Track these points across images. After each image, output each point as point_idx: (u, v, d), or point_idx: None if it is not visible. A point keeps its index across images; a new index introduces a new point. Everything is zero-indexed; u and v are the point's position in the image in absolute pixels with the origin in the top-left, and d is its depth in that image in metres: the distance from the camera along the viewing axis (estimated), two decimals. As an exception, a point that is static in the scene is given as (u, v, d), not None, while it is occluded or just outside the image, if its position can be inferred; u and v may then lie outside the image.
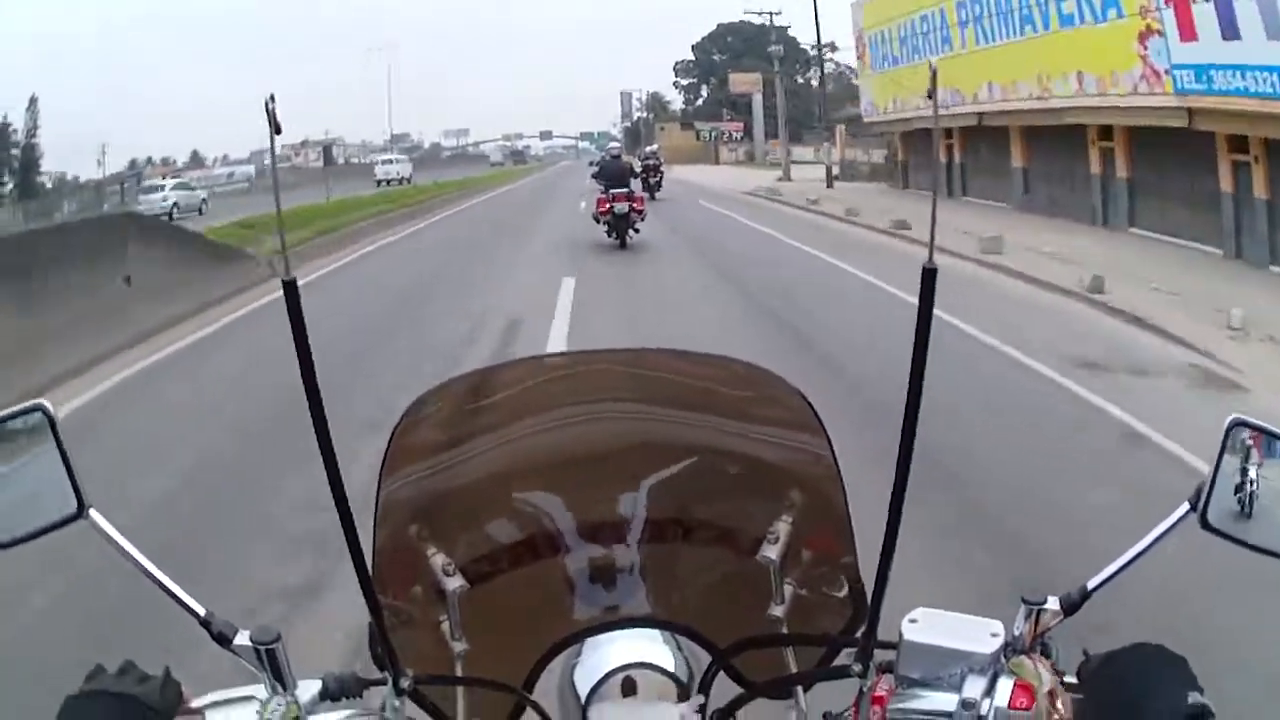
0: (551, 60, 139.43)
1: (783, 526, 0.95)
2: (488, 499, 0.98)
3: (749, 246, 15.46)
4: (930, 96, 0.69)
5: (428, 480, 0.93)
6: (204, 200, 29.71)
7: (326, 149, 42.28)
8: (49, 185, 49.76)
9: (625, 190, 14.98)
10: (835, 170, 29.68)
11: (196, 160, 65.41)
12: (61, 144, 65.25)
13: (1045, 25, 16.58)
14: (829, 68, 65.02)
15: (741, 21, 71.56)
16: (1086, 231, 15.25)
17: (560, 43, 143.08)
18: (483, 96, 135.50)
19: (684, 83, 75.48)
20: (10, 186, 47.95)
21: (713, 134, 65.94)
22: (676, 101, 77.06)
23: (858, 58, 26.54)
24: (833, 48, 64.28)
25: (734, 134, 65.33)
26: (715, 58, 71.51)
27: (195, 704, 0.77)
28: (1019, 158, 19.23)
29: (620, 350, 1.01)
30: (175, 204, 28.08)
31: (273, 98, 0.61)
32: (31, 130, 49.78)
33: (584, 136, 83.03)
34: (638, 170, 19.84)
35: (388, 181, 38.78)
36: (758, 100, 62.86)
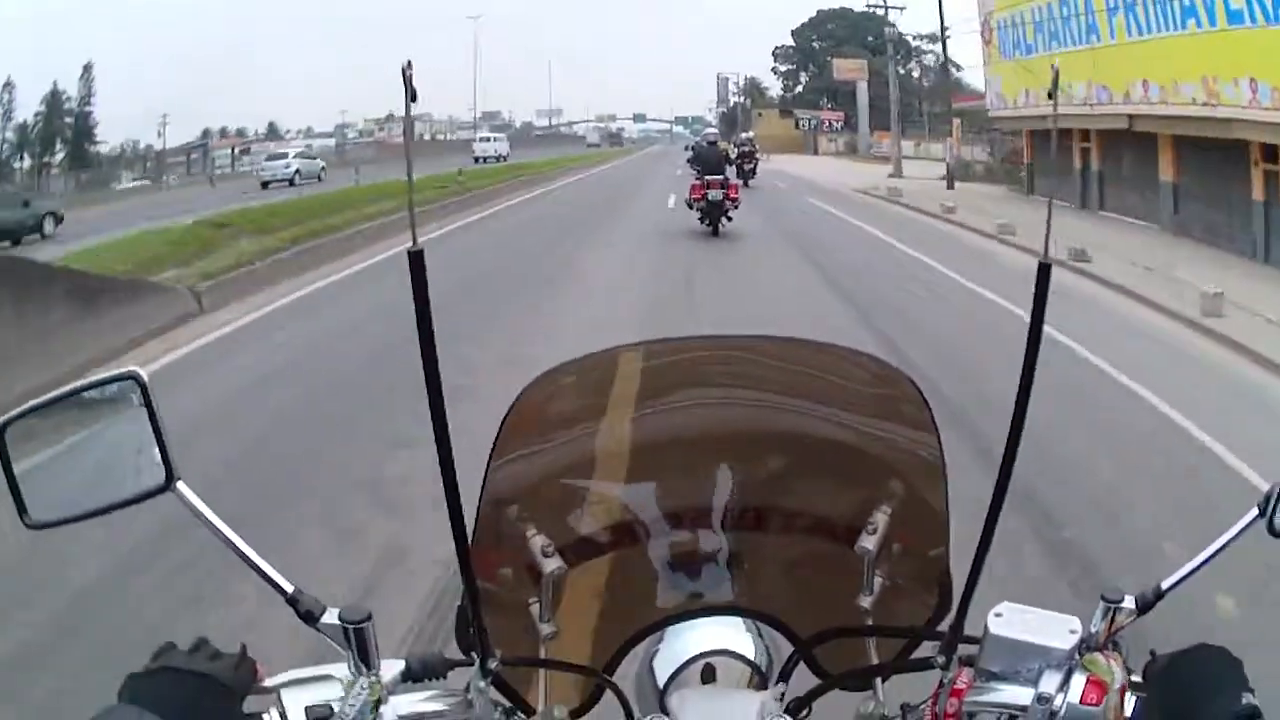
0: (646, 40, 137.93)
1: (881, 518, 0.96)
2: (587, 483, 1.01)
3: (900, 281, 11.68)
4: (1051, 97, 0.72)
5: (533, 461, 0.95)
6: (322, 168, 33.78)
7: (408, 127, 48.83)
8: (106, 154, 49.46)
9: (720, 177, 15.09)
10: (950, 169, 27.82)
11: (274, 132, 65.23)
12: (135, 114, 65.02)
13: (1212, 20, 14.53)
14: (929, 60, 62.07)
15: (843, 8, 69.56)
16: (1245, 267, 13.09)
17: (656, 23, 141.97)
18: (575, 75, 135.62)
19: (782, 69, 73.23)
20: (61, 156, 47.87)
21: (812, 123, 63.63)
22: (774, 88, 74.34)
23: (984, 43, 24.55)
24: (933, 38, 62.36)
25: (834, 124, 62.91)
26: (815, 44, 69.45)
27: (270, 682, 0.78)
28: (1169, 171, 17.04)
29: (736, 336, 1.00)
30: (297, 171, 31.60)
31: (410, 64, 0.62)
32: (85, 98, 49.47)
33: (678, 120, 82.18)
34: (733, 157, 19.56)
35: (485, 159, 41.19)
36: (862, 89, 59.97)
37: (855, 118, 61.14)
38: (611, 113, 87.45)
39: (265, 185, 29.94)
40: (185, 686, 0.72)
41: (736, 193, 15.25)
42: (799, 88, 70.92)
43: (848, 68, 60.57)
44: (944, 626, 0.88)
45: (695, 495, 1.02)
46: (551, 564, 0.94)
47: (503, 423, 0.91)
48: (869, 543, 0.96)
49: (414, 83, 0.62)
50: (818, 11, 69.39)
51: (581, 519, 1.01)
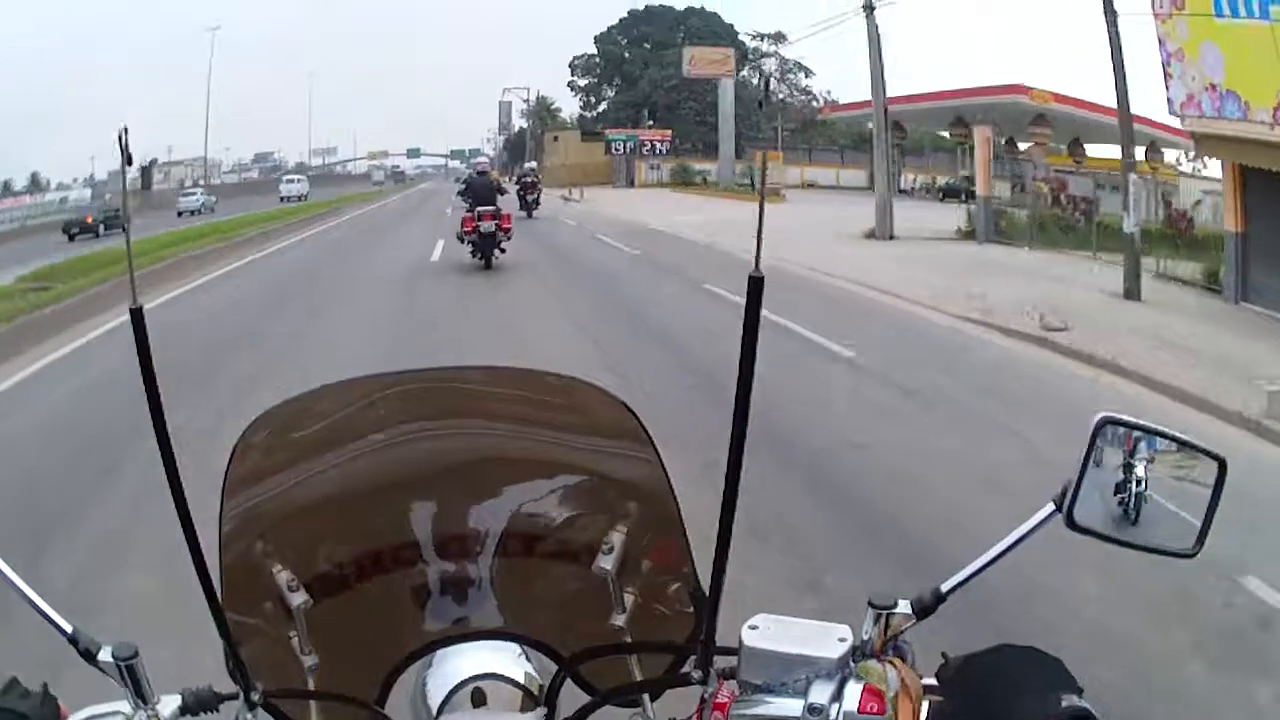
0: (419, 69, 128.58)
1: (617, 536, 1.06)
2: (332, 516, 1.09)
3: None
4: None
5: (271, 499, 1.04)
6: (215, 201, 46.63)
7: (145, 170, 56.64)
8: None
9: (492, 209, 15.92)
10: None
11: (36, 184, 62.84)
12: None
13: None
14: (768, 65, 49.60)
15: (663, 5, 62.70)
16: None
17: (428, 47, 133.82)
18: (346, 111, 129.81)
19: (582, 83, 66.14)
20: None
21: (628, 145, 54.37)
22: (571, 107, 68.43)
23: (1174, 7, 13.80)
24: (779, 38, 54.46)
25: (658, 145, 54.03)
26: (625, 53, 62.35)
27: (70, 719, 0.88)
28: None
29: (453, 367, 1.12)
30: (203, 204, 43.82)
31: (126, 130, 0.69)
32: None
33: (454, 154, 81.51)
34: (508, 189, 19.44)
35: (289, 198, 50.65)
36: (727, 90, 46.20)
37: (688, 136, 54.55)
38: (384, 149, 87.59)
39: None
40: None
41: (509, 223, 16.34)
42: (603, 104, 64.56)
43: (706, 60, 51.49)
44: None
45: (446, 523, 1.11)
46: (298, 598, 1.01)
47: (231, 459, 0.99)
48: (606, 562, 1.05)
49: (129, 148, 0.71)
50: (629, 12, 63.34)
51: (326, 552, 1.08)
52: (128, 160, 0.67)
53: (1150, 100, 15.38)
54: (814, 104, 51.59)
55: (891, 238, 21.20)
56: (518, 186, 28.51)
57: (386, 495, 1.09)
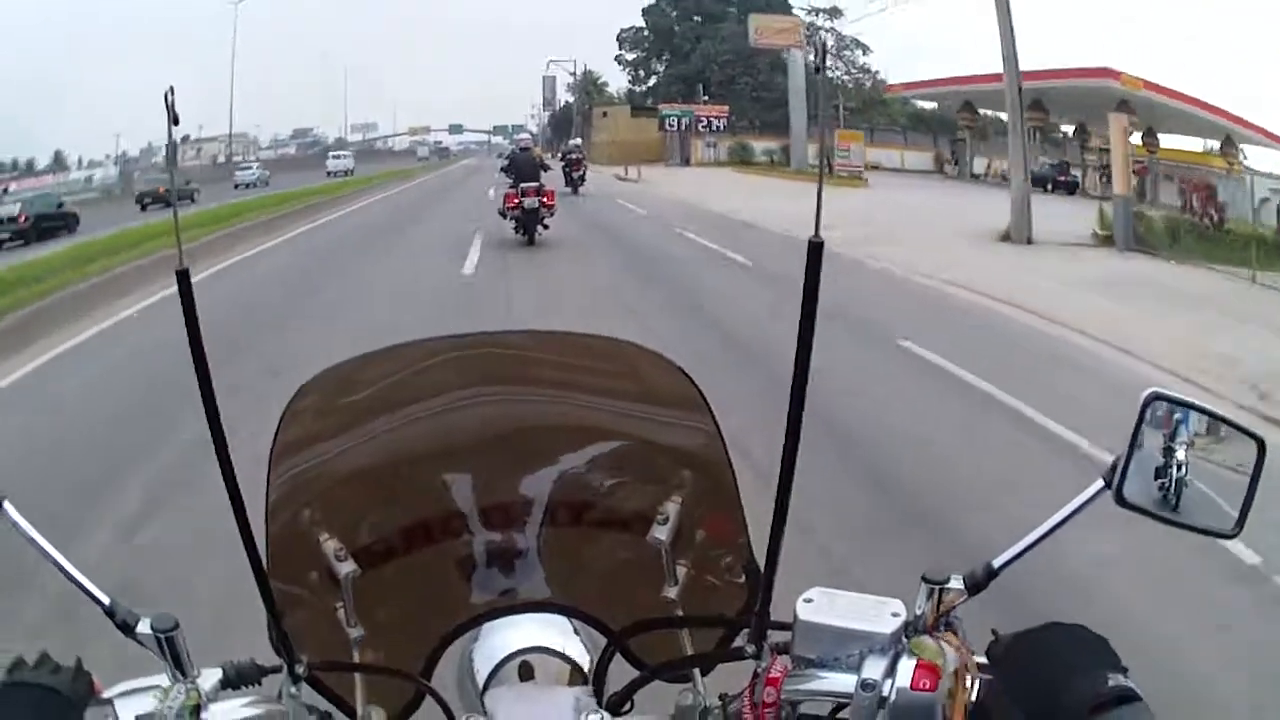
0: (463, 40, 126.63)
1: (672, 507, 1.05)
2: (380, 484, 1.10)
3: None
4: None
5: (318, 468, 1.04)
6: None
7: (171, 147, 44.35)
8: None
9: (535, 184, 16.03)
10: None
11: (60, 163, 62.19)
12: None
13: None
14: (828, 40, 47.50)
15: None
16: None
17: (472, 19, 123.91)
18: (385, 86, 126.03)
19: (630, 57, 62.75)
20: None
21: (684, 122, 50.20)
22: (619, 82, 65.16)
23: None
24: (835, 13, 50.23)
25: (715, 122, 49.81)
26: (674, 25, 58.48)
27: (106, 694, 0.85)
28: None
29: (507, 333, 1.12)
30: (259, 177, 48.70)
31: (172, 89, 0.69)
32: None
33: (497, 130, 78.98)
34: (550, 165, 19.16)
35: (335, 173, 53.75)
36: (796, 62, 44.70)
37: (744, 112, 50.04)
38: (425, 124, 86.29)
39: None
40: (34, 700, 0.80)
41: (553, 199, 16.55)
42: (653, 79, 61.57)
43: (773, 29, 46.47)
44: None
45: (494, 492, 1.10)
46: (346, 567, 1.00)
47: (279, 426, 1.00)
48: (661, 533, 1.05)
49: (176, 107, 0.69)
50: (680, -19, 63.69)
51: (375, 521, 1.08)
52: (174, 120, 0.67)
53: (1226, 92, 12.72)
54: (874, 81, 49.68)
55: (1029, 241, 17.17)
56: (562, 163, 28.80)
57: (435, 463, 1.10)
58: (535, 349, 1.14)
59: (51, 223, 26.50)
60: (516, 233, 16.25)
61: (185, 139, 61.02)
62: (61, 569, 0.91)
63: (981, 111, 40.52)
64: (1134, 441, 0.93)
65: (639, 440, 1.10)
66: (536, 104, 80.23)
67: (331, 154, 63.58)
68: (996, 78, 33.84)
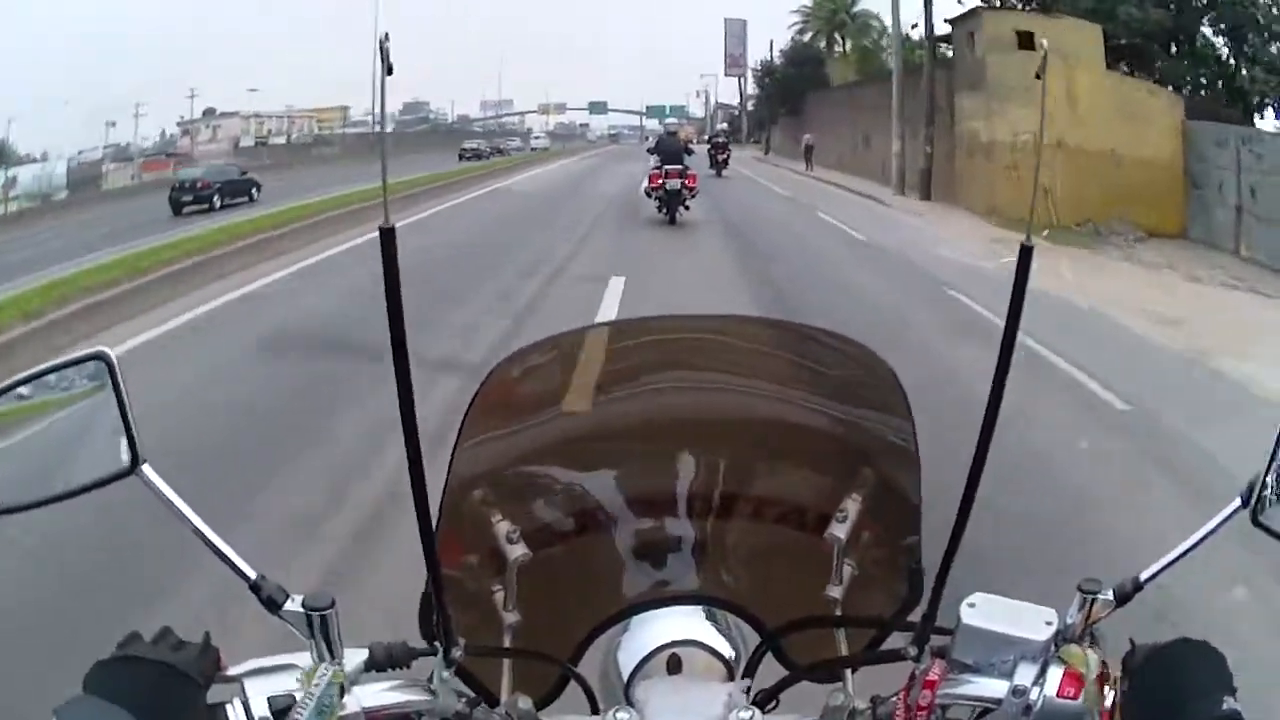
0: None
1: (853, 505, 1.04)
2: (553, 468, 1.09)
3: None
4: None
5: (499, 444, 1.03)
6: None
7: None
8: None
9: (679, 167, 17.19)
10: None
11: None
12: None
13: None
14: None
15: None
16: None
17: None
18: (518, 55, 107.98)
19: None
20: None
21: None
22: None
23: None
24: None
25: None
26: None
27: (233, 671, 0.83)
28: None
29: (707, 317, 1.09)
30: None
31: (387, 35, 0.66)
32: None
33: (651, 111, 65.45)
34: (694, 148, 21.33)
35: (466, 151, 54.99)
36: None
37: None
38: (562, 100, 72.89)
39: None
40: (149, 676, 0.75)
41: (695, 182, 17.63)
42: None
43: None
44: (915, 617, 0.94)
45: (661, 482, 1.10)
46: (516, 550, 0.99)
47: (471, 403, 0.97)
48: (840, 531, 1.03)
49: (390, 57, 0.67)
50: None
51: (546, 505, 1.07)
52: (388, 70, 0.64)
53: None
54: None
55: None
56: (709, 146, 31.95)
57: (611, 450, 1.09)
58: (733, 334, 1.13)
59: (237, 188, 26.38)
60: (659, 211, 17.37)
61: (208, 112, 52.38)
62: (203, 537, 0.87)
63: None
64: (1271, 462, 0.91)
65: (828, 434, 1.09)
66: (708, 81, 63.42)
67: (465, 144, 56.05)
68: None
